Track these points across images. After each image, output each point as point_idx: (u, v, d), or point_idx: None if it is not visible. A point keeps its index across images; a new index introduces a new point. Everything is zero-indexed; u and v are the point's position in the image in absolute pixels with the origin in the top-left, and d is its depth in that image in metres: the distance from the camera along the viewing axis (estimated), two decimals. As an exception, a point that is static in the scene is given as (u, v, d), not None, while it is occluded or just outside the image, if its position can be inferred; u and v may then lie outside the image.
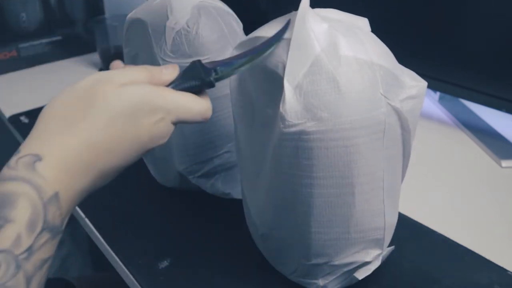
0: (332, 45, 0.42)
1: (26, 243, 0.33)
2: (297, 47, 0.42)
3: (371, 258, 0.47)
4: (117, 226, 0.63)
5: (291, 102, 0.41)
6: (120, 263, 0.57)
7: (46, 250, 0.35)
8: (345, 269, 0.48)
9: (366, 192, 0.44)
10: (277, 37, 0.43)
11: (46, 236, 0.35)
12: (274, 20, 0.46)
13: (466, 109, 0.91)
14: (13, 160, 0.36)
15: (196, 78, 0.42)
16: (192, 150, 0.62)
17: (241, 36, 0.62)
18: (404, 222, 0.59)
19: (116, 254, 0.58)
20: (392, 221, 0.49)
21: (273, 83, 0.43)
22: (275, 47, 0.43)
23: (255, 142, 0.49)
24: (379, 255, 0.48)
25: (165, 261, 0.56)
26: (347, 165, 0.42)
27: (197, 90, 0.42)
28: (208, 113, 0.42)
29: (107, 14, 1.23)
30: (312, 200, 0.44)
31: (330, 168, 0.42)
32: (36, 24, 1.17)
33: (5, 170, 0.35)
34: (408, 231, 0.60)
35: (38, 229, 0.34)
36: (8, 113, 0.95)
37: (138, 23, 0.61)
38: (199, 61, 0.43)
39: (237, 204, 0.58)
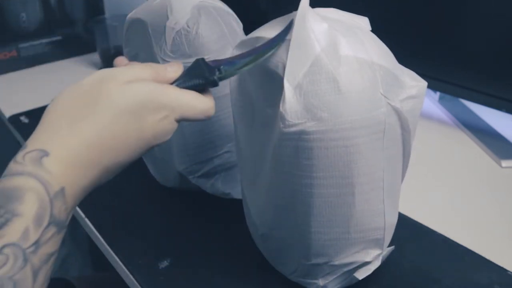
0: (332, 45, 0.42)
1: (33, 237, 0.34)
2: (297, 47, 0.42)
3: (371, 258, 0.47)
4: (117, 226, 0.63)
5: (291, 102, 0.41)
6: (120, 263, 0.57)
7: (52, 244, 0.35)
8: (345, 269, 0.48)
9: (366, 192, 0.44)
10: (281, 37, 0.43)
11: (52, 230, 0.35)
12: (275, 20, 0.46)
13: (466, 109, 0.91)
14: (20, 155, 0.36)
15: (200, 77, 0.42)
16: (192, 150, 0.62)
17: (241, 36, 0.62)
18: (404, 222, 0.59)
19: (116, 254, 0.58)
20: (392, 221, 0.49)
21: (273, 83, 0.43)
22: (278, 47, 0.43)
23: (255, 142, 0.49)
24: (379, 255, 0.48)
25: (165, 261, 0.56)
26: (347, 165, 0.42)
27: (201, 89, 0.43)
28: (211, 111, 0.43)
29: (107, 14, 1.23)
30: (312, 200, 0.44)
31: (330, 168, 0.42)
32: (36, 24, 1.17)
33: (12, 165, 0.36)
34: (408, 231, 0.60)
35: (45, 223, 0.35)
36: (8, 113, 0.95)
37: (138, 23, 0.61)
38: (202, 59, 0.43)
39: (237, 204, 0.58)
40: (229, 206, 0.63)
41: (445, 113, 0.91)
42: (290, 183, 0.45)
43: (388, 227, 0.47)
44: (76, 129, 0.37)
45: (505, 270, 0.54)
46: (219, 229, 0.61)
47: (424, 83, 0.46)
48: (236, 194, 0.63)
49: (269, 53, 0.43)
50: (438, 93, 0.95)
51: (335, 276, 0.48)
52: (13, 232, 0.33)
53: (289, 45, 0.42)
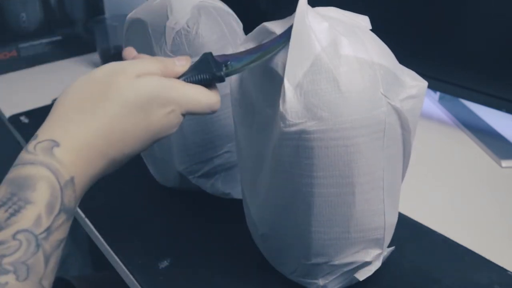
0: (333, 45, 0.42)
1: (45, 223, 0.35)
2: (297, 47, 0.42)
3: (371, 258, 0.47)
4: (117, 226, 0.63)
5: (291, 102, 0.41)
6: (120, 263, 0.57)
7: (62, 231, 0.37)
8: (345, 269, 0.48)
9: (366, 191, 0.44)
10: (287, 35, 0.43)
11: (62, 217, 0.37)
12: (288, 17, 0.46)
13: (466, 109, 0.91)
14: (31, 145, 0.37)
15: (207, 72, 0.43)
16: (192, 150, 0.62)
17: (241, 36, 0.62)
18: (404, 222, 0.59)
19: (116, 254, 0.58)
20: (392, 221, 0.49)
21: (273, 83, 0.43)
22: (285, 45, 0.43)
23: (255, 142, 0.49)
24: (379, 255, 0.48)
25: (165, 261, 0.56)
26: (347, 164, 0.42)
27: (207, 83, 0.43)
28: (217, 106, 0.44)
29: (107, 14, 1.23)
30: (312, 200, 0.44)
31: (330, 168, 0.42)
32: (36, 24, 1.17)
33: (24, 154, 0.37)
34: (408, 231, 0.60)
35: (56, 211, 0.36)
36: (8, 113, 0.95)
37: (138, 23, 0.61)
38: (210, 54, 0.44)
39: (237, 204, 0.58)
40: (229, 206, 0.63)
41: (445, 113, 0.91)
42: (290, 182, 0.45)
43: (388, 227, 0.47)
44: (85, 121, 0.39)
45: (505, 270, 0.54)
46: (219, 229, 0.61)
47: (424, 83, 0.46)
48: (236, 194, 0.63)
49: (276, 51, 0.43)
50: (438, 93, 0.95)
51: (335, 276, 0.48)
52: (26, 218, 0.34)
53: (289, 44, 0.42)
